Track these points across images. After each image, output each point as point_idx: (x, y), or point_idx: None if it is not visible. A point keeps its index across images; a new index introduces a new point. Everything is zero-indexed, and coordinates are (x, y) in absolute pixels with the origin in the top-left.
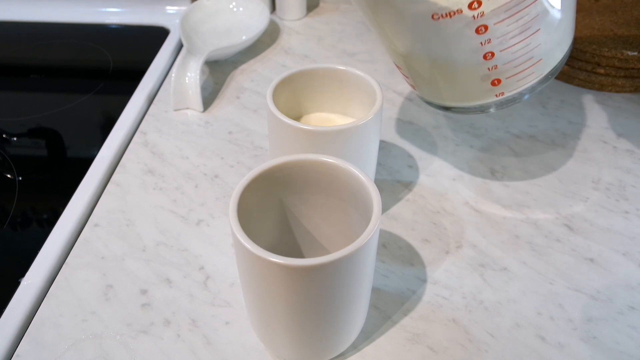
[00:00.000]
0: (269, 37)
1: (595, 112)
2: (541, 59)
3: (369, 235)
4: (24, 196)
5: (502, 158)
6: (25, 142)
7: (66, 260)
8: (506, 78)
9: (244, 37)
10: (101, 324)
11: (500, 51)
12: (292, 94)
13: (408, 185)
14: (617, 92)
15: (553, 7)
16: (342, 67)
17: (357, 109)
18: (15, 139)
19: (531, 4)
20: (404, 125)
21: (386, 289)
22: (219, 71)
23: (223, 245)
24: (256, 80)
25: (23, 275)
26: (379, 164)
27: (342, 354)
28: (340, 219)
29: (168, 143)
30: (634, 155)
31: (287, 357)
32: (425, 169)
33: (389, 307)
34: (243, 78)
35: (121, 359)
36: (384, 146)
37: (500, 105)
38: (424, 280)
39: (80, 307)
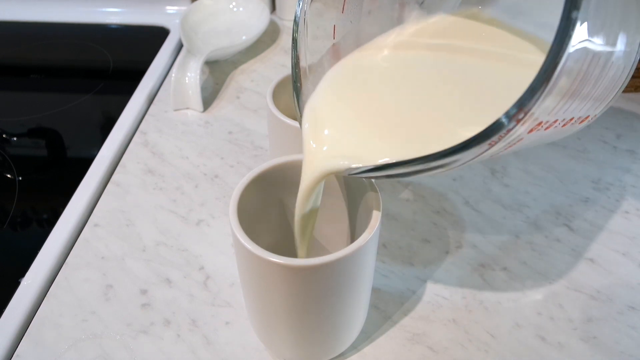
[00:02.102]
0: (269, 37)
1: None
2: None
3: (369, 235)
4: (24, 196)
5: (502, 158)
6: (25, 142)
7: (66, 260)
8: (595, 114)
9: (244, 37)
10: (101, 324)
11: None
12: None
13: (408, 185)
14: None
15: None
16: None
17: None
18: (15, 139)
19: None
20: None
21: (386, 289)
22: (219, 71)
23: (223, 245)
24: (256, 80)
25: (23, 275)
26: None
27: (342, 354)
28: (340, 219)
29: (168, 143)
30: (634, 155)
31: (287, 357)
32: None
33: (389, 307)
34: (243, 78)
35: (121, 359)
36: None
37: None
38: (424, 280)
39: (80, 307)
